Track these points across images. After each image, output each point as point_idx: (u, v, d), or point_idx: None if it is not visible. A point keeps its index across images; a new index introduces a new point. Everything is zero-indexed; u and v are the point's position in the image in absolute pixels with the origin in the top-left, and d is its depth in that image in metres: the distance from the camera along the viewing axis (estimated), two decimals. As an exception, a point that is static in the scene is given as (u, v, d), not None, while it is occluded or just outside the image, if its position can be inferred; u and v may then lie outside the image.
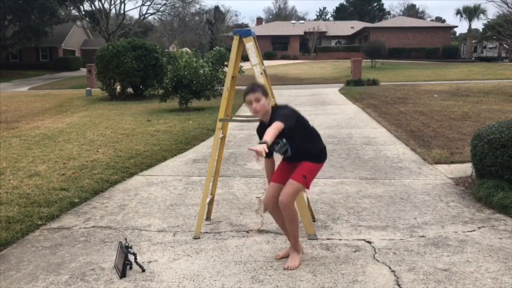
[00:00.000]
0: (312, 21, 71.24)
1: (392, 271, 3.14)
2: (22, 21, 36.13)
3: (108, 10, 42.30)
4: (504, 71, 22.52)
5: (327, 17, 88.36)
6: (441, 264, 3.22)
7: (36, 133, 9.43)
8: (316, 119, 10.85)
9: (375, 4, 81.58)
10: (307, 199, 4.09)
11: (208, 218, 4.24)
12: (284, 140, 3.19)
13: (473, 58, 45.76)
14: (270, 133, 2.86)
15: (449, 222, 4.05)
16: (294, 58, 51.11)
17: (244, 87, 3.45)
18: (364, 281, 3.00)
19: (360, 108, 12.98)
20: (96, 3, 41.88)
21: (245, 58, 4.41)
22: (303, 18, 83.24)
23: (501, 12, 19.61)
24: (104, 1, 41.89)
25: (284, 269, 3.18)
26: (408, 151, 7.15)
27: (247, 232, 3.94)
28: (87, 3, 42.50)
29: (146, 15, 47.34)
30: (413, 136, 8.18)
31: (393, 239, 3.69)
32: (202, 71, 13.65)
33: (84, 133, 9.38)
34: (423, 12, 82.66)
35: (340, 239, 3.72)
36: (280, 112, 3.09)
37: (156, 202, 4.82)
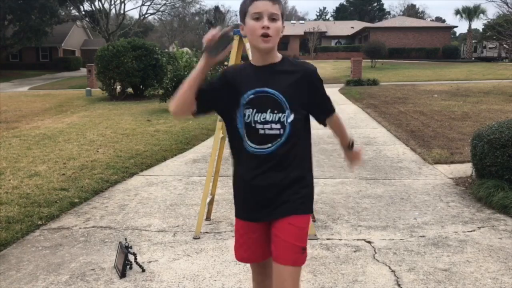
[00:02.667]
0: (312, 21, 71.22)
1: (392, 271, 3.14)
2: (22, 21, 36.13)
3: (108, 10, 42.27)
4: (504, 71, 22.50)
5: (327, 17, 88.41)
6: (441, 264, 3.22)
7: (36, 133, 9.43)
8: (316, 119, 10.85)
9: (375, 4, 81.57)
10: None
11: (208, 218, 4.24)
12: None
13: (473, 58, 45.73)
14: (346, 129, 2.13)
15: (449, 222, 4.05)
16: (294, 58, 51.05)
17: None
18: (364, 281, 3.00)
19: (360, 108, 12.99)
20: (96, 3, 41.87)
21: (245, 58, 4.41)
22: (303, 18, 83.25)
23: (501, 12, 19.62)
24: (104, 1, 41.87)
25: None
26: (408, 151, 7.16)
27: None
28: (87, 3, 42.50)
29: (146, 15, 47.33)
30: (413, 136, 8.18)
31: (393, 239, 3.69)
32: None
33: (84, 133, 9.38)
34: (423, 12, 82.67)
35: (340, 239, 3.72)
36: (321, 83, 1.95)
37: (156, 202, 4.82)
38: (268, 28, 1.78)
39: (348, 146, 2.13)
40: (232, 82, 1.86)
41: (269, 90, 1.82)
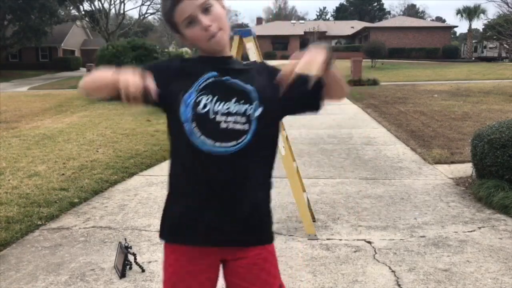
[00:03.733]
0: (312, 21, 71.26)
1: (392, 271, 3.13)
2: (22, 21, 36.10)
3: (108, 10, 42.27)
4: (504, 71, 22.51)
5: (327, 17, 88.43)
6: (441, 264, 3.21)
7: (35, 133, 9.42)
8: (316, 119, 10.84)
9: (375, 4, 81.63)
10: (307, 199, 4.09)
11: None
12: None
13: (473, 58, 45.75)
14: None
15: (449, 222, 4.05)
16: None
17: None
18: (364, 281, 2.99)
19: (360, 108, 12.98)
20: (96, 3, 41.87)
21: (245, 58, 4.41)
22: (303, 18, 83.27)
23: (501, 12, 19.62)
24: (104, 1, 41.88)
25: None
26: (408, 151, 7.15)
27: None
28: (87, 3, 42.50)
29: (146, 15, 47.31)
30: (413, 136, 8.18)
31: (393, 239, 3.69)
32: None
33: (84, 133, 9.37)
34: (423, 12, 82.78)
35: (340, 239, 3.71)
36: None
37: (156, 202, 4.81)
38: (209, 25, 1.40)
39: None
40: (183, 68, 1.49)
41: (231, 78, 1.46)
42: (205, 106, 1.42)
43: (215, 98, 1.43)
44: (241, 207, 1.47)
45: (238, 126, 1.42)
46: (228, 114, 1.43)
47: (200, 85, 1.43)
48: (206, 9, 1.40)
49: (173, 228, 1.53)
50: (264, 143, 1.49)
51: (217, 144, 1.42)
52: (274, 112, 1.50)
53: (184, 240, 1.50)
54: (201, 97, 1.42)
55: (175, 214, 1.54)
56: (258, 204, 1.52)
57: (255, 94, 1.45)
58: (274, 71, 1.49)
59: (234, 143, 1.42)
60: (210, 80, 1.44)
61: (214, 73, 1.45)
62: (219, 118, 1.43)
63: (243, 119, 1.43)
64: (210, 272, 1.51)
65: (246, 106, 1.44)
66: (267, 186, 1.55)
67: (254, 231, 1.51)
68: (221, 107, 1.42)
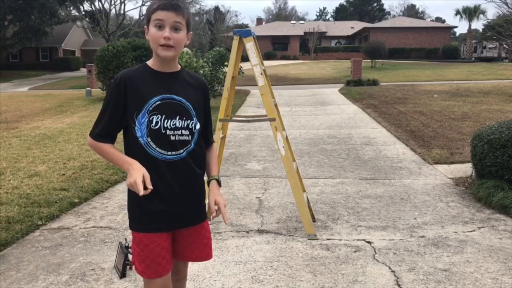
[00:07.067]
0: (312, 21, 71.21)
1: (392, 271, 3.14)
2: (22, 21, 36.12)
3: (108, 10, 42.26)
4: (504, 71, 22.52)
5: (327, 17, 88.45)
6: (441, 264, 3.22)
7: (36, 133, 9.42)
8: (316, 119, 10.85)
9: (375, 4, 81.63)
10: (307, 199, 4.10)
11: (208, 218, 4.23)
12: None
13: (473, 58, 45.76)
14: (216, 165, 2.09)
15: (449, 222, 4.06)
16: (294, 58, 51.10)
17: (243, 87, 3.10)
18: (364, 281, 3.00)
19: (360, 108, 12.98)
20: (96, 3, 41.85)
21: (245, 58, 4.42)
22: (303, 18, 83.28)
23: (501, 13, 19.63)
24: (104, 1, 41.87)
25: None
26: (408, 151, 7.16)
27: (247, 232, 3.94)
28: (87, 3, 42.49)
29: (146, 15, 47.28)
30: (413, 136, 8.18)
31: (393, 239, 3.69)
32: (202, 71, 13.66)
33: (84, 133, 9.37)
34: (423, 12, 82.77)
35: (340, 239, 3.72)
36: (208, 108, 2.03)
37: (156, 202, 4.82)
38: (169, 39, 1.75)
39: (211, 182, 2.01)
40: (133, 88, 1.79)
41: (176, 97, 1.84)
42: (156, 123, 1.80)
43: (163, 117, 1.81)
44: (192, 198, 1.93)
45: (184, 138, 1.84)
46: (175, 129, 1.83)
47: (151, 107, 1.79)
48: (175, 28, 1.77)
49: (150, 220, 1.86)
50: (200, 149, 1.93)
51: (169, 153, 1.82)
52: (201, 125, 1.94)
53: (161, 229, 1.88)
54: (152, 116, 1.79)
55: (147, 209, 1.85)
56: (203, 194, 2.00)
57: (193, 112, 1.87)
58: (207, 94, 1.99)
59: (181, 151, 1.84)
60: (158, 103, 1.80)
61: (160, 97, 1.80)
62: (168, 132, 1.81)
63: (187, 132, 1.86)
64: (168, 241, 1.94)
65: (188, 121, 1.86)
66: (203, 180, 2.00)
67: (199, 213, 1.99)
68: (169, 123, 1.81)
